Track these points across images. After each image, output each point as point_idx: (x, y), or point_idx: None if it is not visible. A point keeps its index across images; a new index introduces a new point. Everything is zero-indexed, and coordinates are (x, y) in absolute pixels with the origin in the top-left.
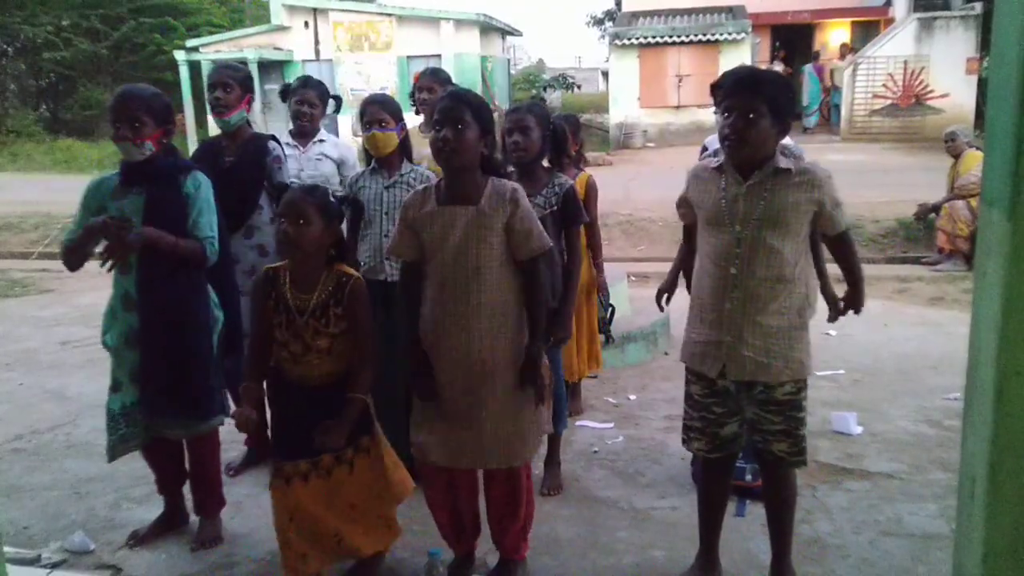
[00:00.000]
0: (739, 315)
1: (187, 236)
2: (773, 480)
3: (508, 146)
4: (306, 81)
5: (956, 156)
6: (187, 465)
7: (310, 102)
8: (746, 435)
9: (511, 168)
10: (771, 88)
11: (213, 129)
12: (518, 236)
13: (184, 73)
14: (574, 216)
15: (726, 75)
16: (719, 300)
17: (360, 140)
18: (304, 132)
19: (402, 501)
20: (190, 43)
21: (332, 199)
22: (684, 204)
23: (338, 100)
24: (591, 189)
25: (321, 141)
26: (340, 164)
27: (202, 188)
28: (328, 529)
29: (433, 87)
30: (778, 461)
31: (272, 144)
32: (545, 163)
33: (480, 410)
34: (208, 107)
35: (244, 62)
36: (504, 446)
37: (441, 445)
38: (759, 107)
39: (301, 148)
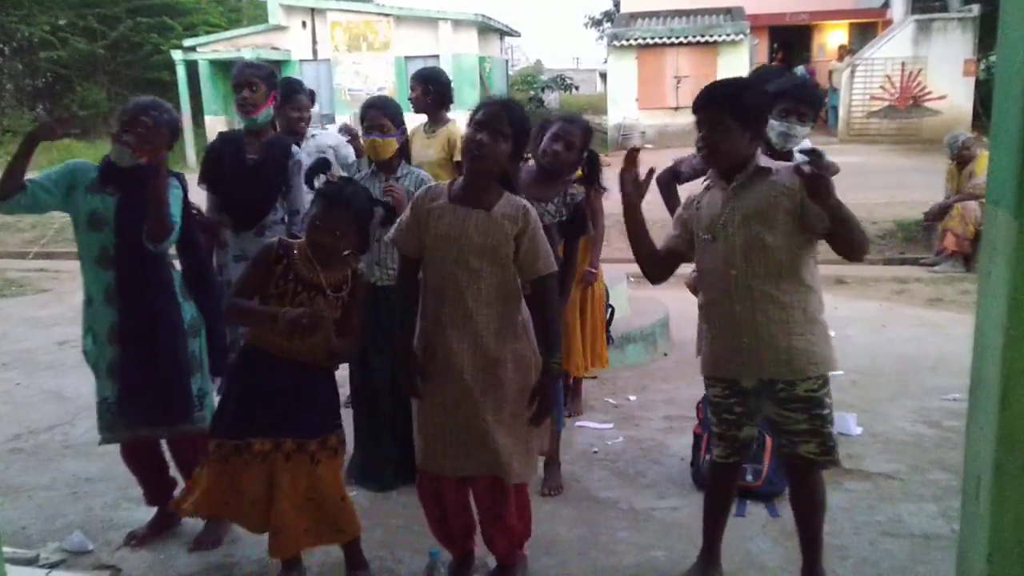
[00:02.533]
0: (750, 315)
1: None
2: (802, 485)
3: (547, 151)
4: (292, 86)
5: (966, 161)
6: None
7: (303, 106)
8: (761, 438)
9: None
10: (731, 97)
11: (210, 128)
12: (528, 254)
13: (181, 73)
14: (580, 228)
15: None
16: (729, 305)
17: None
18: (300, 134)
19: (353, 525)
20: (187, 43)
21: (371, 208)
22: (679, 228)
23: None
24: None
25: (313, 136)
26: (335, 150)
27: (172, 194)
28: (262, 510)
29: (415, 87)
30: (808, 464)
31: (295, 148)
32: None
33: (469, 415)
34: (207, 105)
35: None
36: (490, 453)
37: (434, 451)
38: (723, 118)
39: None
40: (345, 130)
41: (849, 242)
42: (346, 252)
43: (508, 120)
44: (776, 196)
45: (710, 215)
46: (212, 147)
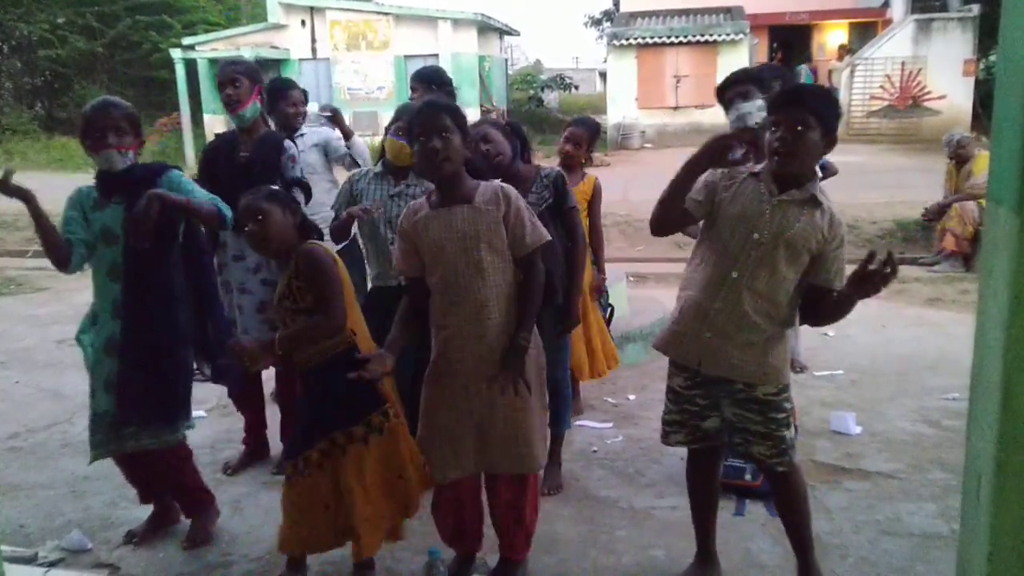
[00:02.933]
0: (725, 317)
1: (173, 240)
2: (774, 484)
3: (483, 156)
4: (287, 82)
5: (963, 160)
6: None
7: (297, 101)
8: (729, 436)
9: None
10: (819, 101)
11: (209, 128)
12: (516, 230)
13: (180, 71)
14: (567, 200)
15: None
16: (710, 298)
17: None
18: (295, 129)
19: (414, 503)
20: (186, 41)
21: (276, 188)
22: (704, 189)
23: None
24: (596, 191)
25: (302, 135)
26: (325, 145)
27: (182, 180)
28: (328, 519)
29: (416, 87)
30: (759, 463)
31: (288, 143)
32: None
33: (489, 412)
34: (204, 104)
35: None
36: (513, 450)
37: (452, 457)
38: (807, 119)
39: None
40: (326, 109)
41: (818, 314)
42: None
43: (442, 114)
44: (811, 233)
45: (743, 208)
46: (208, 147)
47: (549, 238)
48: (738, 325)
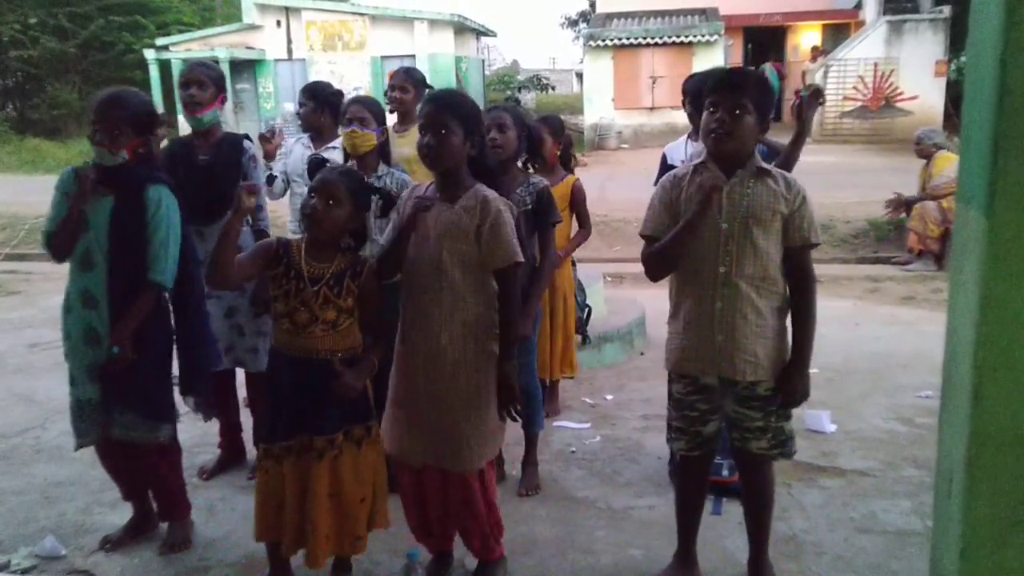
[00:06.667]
0: (730, 313)
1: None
2: (750, 477)
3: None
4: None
5: (926, 158)
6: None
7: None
8: (723, 431)
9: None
10: (755, 87)
11: (183, 128)
12: (488, 244)
13: (154, 72)
14: (548, 217)
15: (703, 75)
16: (708, 300)
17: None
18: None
19: (376, 526)
20: (160, 42)
21: (364, 187)
22: (665, 213)
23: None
24: (578, 192)
25: (334, 148)
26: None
27: (164, 202)
28: (298, 519)
29: (406, 86)
30: (754, 459)
31: (247, 143)
32: (520, 165)
33: (437, 408)
34: (180, 104)
35: (216, 61)
36: (457, 448)
37: (402, 441)
38: (745, 103)
39: (313, 150)
40: (268, 131)
41: (801, 289)
42: (345, 245)
43: (445, 111)
44: (773, 199)
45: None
46: (165, 152)
47: (521, 259)
48: (745, 317)
